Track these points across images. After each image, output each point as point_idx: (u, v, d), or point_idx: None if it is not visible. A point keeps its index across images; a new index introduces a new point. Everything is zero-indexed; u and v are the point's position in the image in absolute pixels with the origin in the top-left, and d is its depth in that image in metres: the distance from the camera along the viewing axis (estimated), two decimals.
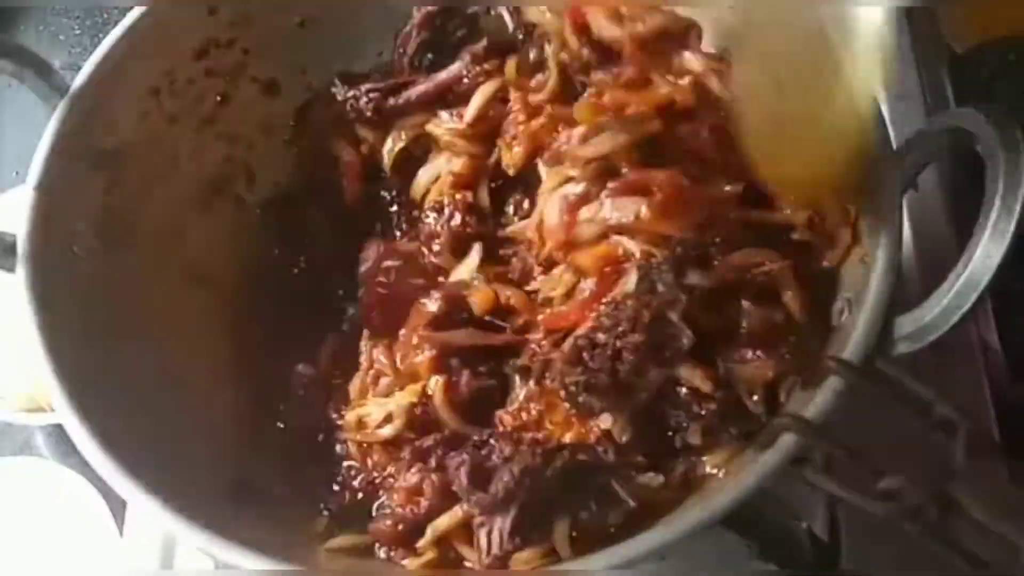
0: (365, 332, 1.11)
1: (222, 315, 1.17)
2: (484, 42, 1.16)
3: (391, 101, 1.17)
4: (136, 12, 1.10)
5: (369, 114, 1.17)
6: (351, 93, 1.17)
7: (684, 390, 0.91)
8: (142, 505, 0.89)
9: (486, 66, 1.14)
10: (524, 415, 0.99)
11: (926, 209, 1.24)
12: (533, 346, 1.01)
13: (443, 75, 1.16)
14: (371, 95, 1.16)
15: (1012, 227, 0.83)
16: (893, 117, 1.13)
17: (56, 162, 1.04)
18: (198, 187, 1.20)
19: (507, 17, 1.18)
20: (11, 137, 1.33)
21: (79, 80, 1.07)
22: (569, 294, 1.00)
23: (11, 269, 0.99)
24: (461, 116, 1.14)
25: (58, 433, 1.16)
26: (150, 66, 1.12)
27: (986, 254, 0.84)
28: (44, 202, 1.02)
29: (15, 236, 1.00)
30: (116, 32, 1.09)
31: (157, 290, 1.11)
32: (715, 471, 0.91)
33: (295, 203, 1.24)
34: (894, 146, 0.96)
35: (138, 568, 1.12)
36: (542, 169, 1.06)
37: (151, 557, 1.12)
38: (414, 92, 1.16)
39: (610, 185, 0.98)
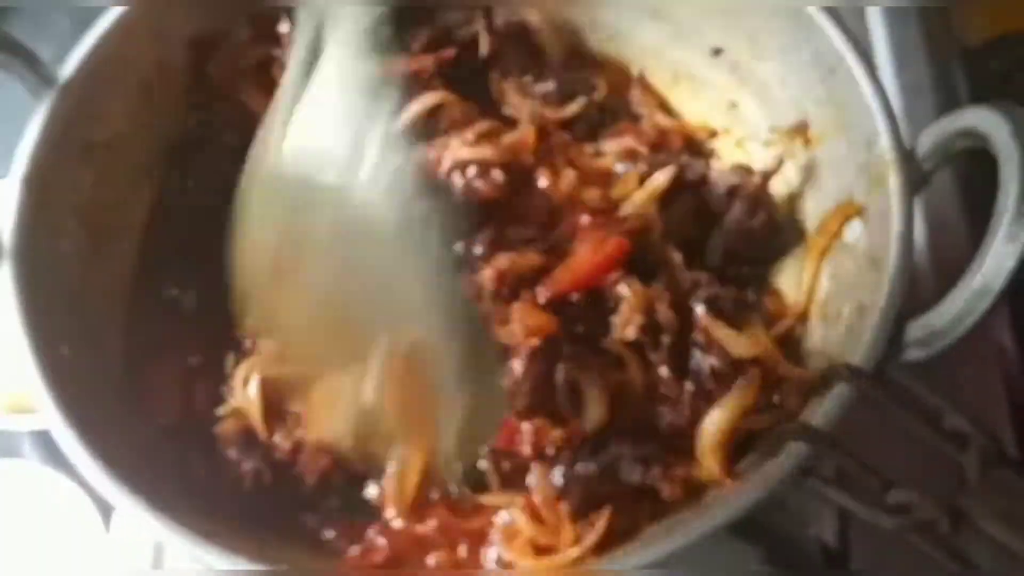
0: None
1: None
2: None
3: None
4: (126, 3, 1.07)
5: None
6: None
7: None
8: (129, 510, 0.87)
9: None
10: None
11: (941, 207, 1.21)
12: None
13: (403, 66, 1.10)
14: None
15: None
16: (905, 112, 1.11)
17: (44, 155, 1.01)
18: None
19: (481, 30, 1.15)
20: None
21: (69, 70, 1.04)
22: None
23: None
24: None
25: (44, 435, 1.13)
26: (140, 57, 1.10)
27: (999, 258, 0.81)
28: (31, 196, 0.99)
29: None
30: (106, 22, 1.06)
31: (144, 286, 1.09)
32: None
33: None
34: (906, 144, 0.94)
35: (127, 570, 1.10)
36: None
37: (140, 559, 1.09)
38: None
39: None
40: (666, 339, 0.95)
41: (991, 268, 0.82)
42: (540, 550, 0.93)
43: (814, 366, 0.94)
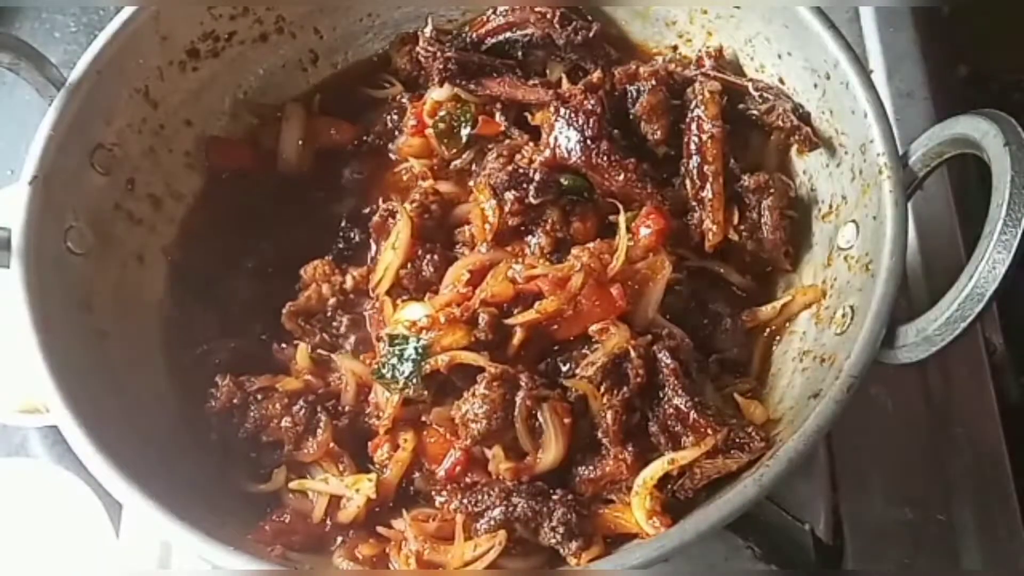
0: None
1: None
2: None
3: (464, 81, 1.16)
4: (132, 7, 1.08)
5: (441, 71, 1.15)
6: (433, 48, 1.16)
7: None
8: (137, 507, 0.88)
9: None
10: None
11: (933, 213, 1.22)
12: None
13: (531, 95, 1.14)
14: (451, 61, 1.15)
15: (1018, 238, 0.82)
16: (898, 115, 1.12)
17: (52, 155, 1.02)
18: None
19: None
20: (2, 135, 1.29)
21: (77, 72, 1.05)
22: None
23: (5, 265, 0.97)
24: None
25: (53, 434, 1.14)
26: (146, 60, 1.11)
27: (991, 265, 0.83)
28: (39, 196, 1.00)
29: (9, 231, 0.98)
30: (113, 25, 1.07)
31: (150, 285, 1.11)
32: None
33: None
34: (899, 148, 0.95)
35: (135, 568, 1.11)
36: None
37: (148, 557, 1.11)
38: (493, 86, 1.15)
39: None
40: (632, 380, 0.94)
41: (983, 273, 0.83)
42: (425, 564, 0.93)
43: (809, 366, 0.96)
